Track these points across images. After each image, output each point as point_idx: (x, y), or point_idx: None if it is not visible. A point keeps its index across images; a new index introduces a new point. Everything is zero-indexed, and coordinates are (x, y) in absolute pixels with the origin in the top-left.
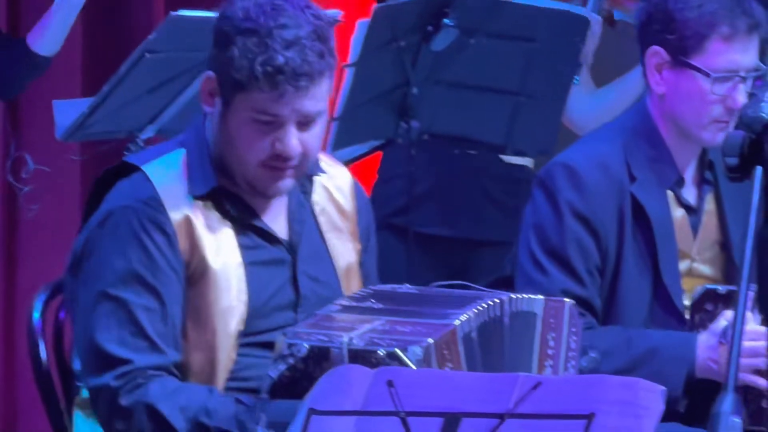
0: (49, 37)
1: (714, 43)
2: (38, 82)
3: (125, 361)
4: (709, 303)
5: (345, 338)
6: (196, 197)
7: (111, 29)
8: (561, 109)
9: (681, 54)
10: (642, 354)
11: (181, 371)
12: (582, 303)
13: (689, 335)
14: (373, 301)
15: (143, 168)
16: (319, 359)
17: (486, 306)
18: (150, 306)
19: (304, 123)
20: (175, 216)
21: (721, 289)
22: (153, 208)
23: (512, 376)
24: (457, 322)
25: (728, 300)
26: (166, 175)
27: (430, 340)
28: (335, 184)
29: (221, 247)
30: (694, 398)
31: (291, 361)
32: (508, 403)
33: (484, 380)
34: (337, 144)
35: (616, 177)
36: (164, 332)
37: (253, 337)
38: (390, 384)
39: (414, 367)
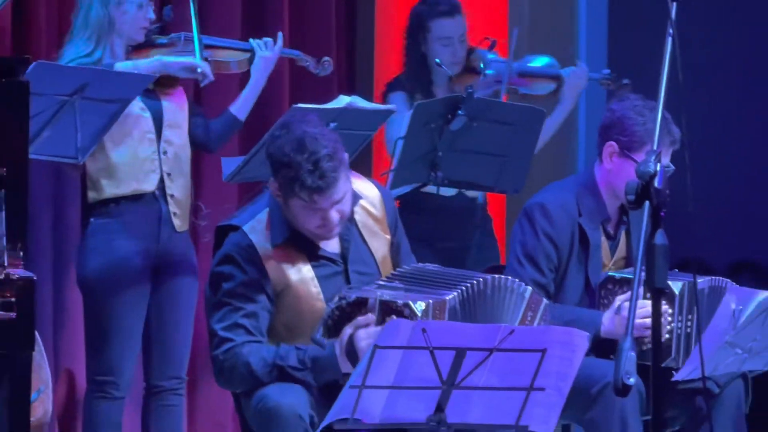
0: (246, 106)
1: (647, 149)
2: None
3: (228, 340)
4: (610, 284)
5: (378, 294)
6: (278, 243)
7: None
8: (527, 165)
9: (627, 150)
10: (570, 321)
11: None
12: (542, 287)
13: (599, 313)
14: (398, 281)
15: (244, 229)
16: (360, 305)
17: (470, 285)
18: (246, 309)
19: (337, 202)
20: (264, 254)
21: (617, 275)
22: (250, 251)
23: (497, 326)
24: (448, 297)
25: (622, 282)
26: (256, 231)
27: (430, 301)
28: (368, 201)
29: (299, 270)
30: (602, 347)
31: (342, 302)
32: (494, 342)
33: (479, 329)
34: (393, 186)
35: (571, 214)
36: (254, 324)
37: (336, 300)
38: (424, 330)
39: (419, 314)
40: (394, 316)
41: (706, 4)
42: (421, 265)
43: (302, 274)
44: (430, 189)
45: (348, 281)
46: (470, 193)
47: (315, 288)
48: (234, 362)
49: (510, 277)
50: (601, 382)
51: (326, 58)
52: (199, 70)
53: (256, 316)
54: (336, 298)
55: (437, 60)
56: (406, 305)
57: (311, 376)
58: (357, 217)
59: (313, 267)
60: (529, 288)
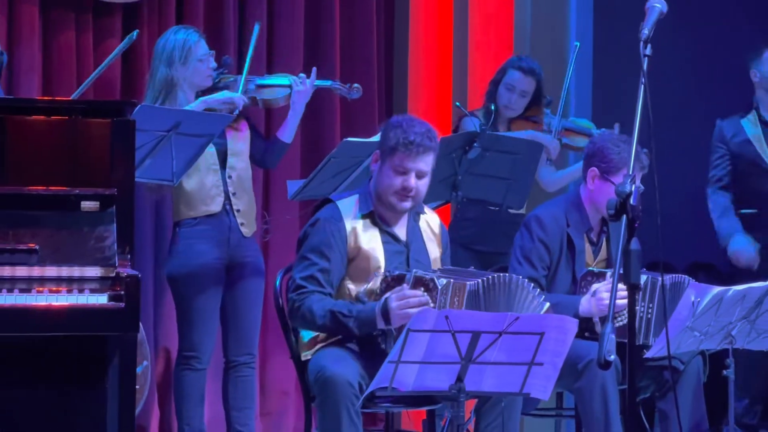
0: (290, 131)
1: (622, 173)
2: (281, 166)
3: (302, 287)
4: (589, 276)
5: (413, 272)
6: (363, 215)
7: (308, 137)
8: (529, 186)
9: (606, 174)
10: (556, 303)
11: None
12: (536, 281)
13: (578, 297)
14: (438, 272)
15: (337, 202)
16: (400, 280)
17: (491, 278)
18: (320, 265)
19: (419, 176)
20: (347, 224)
21: (595, 270)
22: (337, 220)
23: (505, 314)
24: (469, 283)
25: (598, 275)
26: (347, 206)
27: (452, 280)
28: (431, 221)
29: (370, 240)
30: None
31: (387, 276)
32: (503, 327)
33: (491, 316)
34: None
35: (561, 224)
36: (326, 278)
37: (384, 272)
38: (446, 318)
39: (439, 288)
40: (422, 288)
41: (674, 58)
42: (463, 269)
43: (373, 243)
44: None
45: (408, 263)
46: (513, 210)
47: (381, 255)
48: (301, 305)
49: (527, 280)
50: (586, 358)
51: (356, 84)
52: (234, 101)
53: (328, 272)
54: (383, 273)
55: (503, 102)
56: (432, 279)
57: (355, 324)
58: (422, 225)
59: (383, 241)
60: (538, 289)
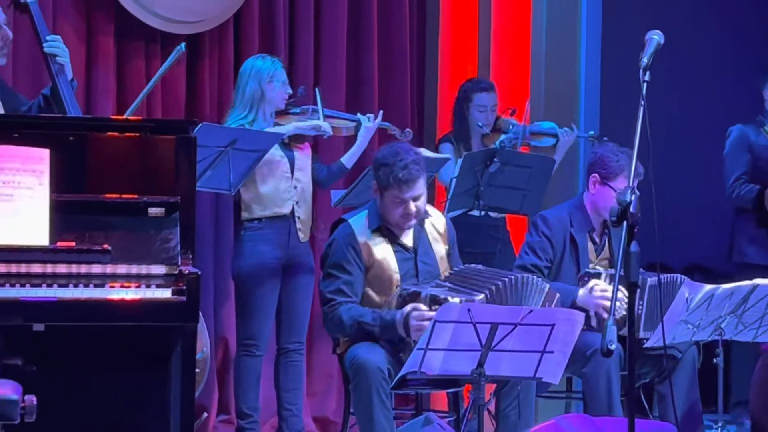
0: (353, 159)
1: (621, 177)
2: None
3: (331, 300)
4: (587, 276)
5: (428, 291)
6: (373, 230)
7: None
8: (542, 196)
9: (605, 180)
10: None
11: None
12: (539, 269)
13: (576, 288)
14: (448, 282)
15: (349, 221)
16: (415, 295)
17: (501, 283)
18: (342, 279)
19: (415, 199)
20: (360, 240)
21: (592, 271)
22: (351, 237)
23: (520, 308)
24: (477, 298)
25: (596, 275)
26: (358, 223)
27: (463, 299)
28: (436, 221)
29: (382, 251)
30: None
31: (403, 293)
32: (518, 319)
33: (508, 309)
34: (449, 210)
35: (565, 224)
36: (350, 289)
37: (399, 290)
38: (469, 310)
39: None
40: (437, 306)
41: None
42: (472, 265)
43: (385, 253)
44: (474, 212)
45: (416, 267)
46: (493, 215)
47: (393, 264)
48: (332, 316)
49: (535, 277)
50: (592, 347)
51: (408, 129)
52: (322, 129)
53: (351, 283)
54: (398, 290)
55: (479, 123)
56: (445, 299)
57: (379, 332)
58: (426, 227)
59: (394, 251)
60: (548, 285)
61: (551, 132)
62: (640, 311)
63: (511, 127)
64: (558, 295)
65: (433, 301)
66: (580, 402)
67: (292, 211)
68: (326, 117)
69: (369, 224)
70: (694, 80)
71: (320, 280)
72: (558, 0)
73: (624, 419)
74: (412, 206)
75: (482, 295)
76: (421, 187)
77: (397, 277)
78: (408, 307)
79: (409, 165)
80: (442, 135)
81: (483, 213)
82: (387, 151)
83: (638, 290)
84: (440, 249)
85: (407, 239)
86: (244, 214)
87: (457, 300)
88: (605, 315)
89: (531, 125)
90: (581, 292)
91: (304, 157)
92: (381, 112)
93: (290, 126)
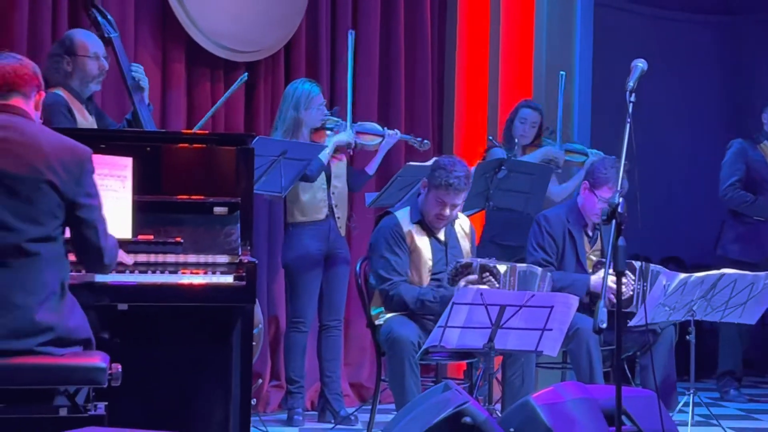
0: (374, 167)
1: (605, 187)
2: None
3: (388, 279)
4: (599, 264)
5: (478, 260)
6: (414, 222)
7: (381, 162)
8: (543, 198)
9: (593, 187)
10: (574, 280)
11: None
12: (549, 263)
13: (588, 276)
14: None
15: (395, 213)
16: (467, 266)
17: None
18: (394, 260)
19: (453, 206)
20: (405, 229)
21: (604, 260)
22: (397, 226)
23: (524, 293)
24: (519, 266)
25: (601, 264)
26: (403, 215)
27: (509, 265)
28: (463, 224)
29: (421, 240)
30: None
31: (457, 265)
32: (522, 301)
33: (514, 294)
34: (462, 210)
35: (563, 221)
36: (402, 269)
37: (434, 275)
38: (481, 294)
39: (501, 272)
40: (487, 273)
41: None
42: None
43: (422, 243)
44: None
45: (446, 256)
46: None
47: (428, 252)
48: (394, 294)
49: (532, 266)
50: (575, 327)
51: (426, 140)
52: (351, 144)
53: (401, 264)
54: (453, 263)
55: (519, 133)
56: (494, 266)
57: (439, 307)
58: (456, 228)
59: (430, 242)
60: (539, 269)
61: (582, 150)
62: (639, 290)
63: (547, 144)
64: (548, 274)
65: (483, 269)
66: (573, 372)
67: (332, 211)
68: (359, 133)
69: (411, 218)
70: (680, 95)
71: (370, 261)
72: (556, 31)
73: (610, 386)
74: (448, 210)
75: (524, 266)
76: (461, 198)
77: (430, 263)
78: (462, 281)
79: (461, 177)
80: (492, 141)
81: (522, 213)
82: (448, 160)
83: (641, 272)
84: (465, 244)
85: (440, 234)
86: (288, 218)
87: (503, 267)
88: (613, 297)
89: (566, 144)
90: (593, 278)
91: (339, 166)
92: (398, 130)
93: (330, 145)
